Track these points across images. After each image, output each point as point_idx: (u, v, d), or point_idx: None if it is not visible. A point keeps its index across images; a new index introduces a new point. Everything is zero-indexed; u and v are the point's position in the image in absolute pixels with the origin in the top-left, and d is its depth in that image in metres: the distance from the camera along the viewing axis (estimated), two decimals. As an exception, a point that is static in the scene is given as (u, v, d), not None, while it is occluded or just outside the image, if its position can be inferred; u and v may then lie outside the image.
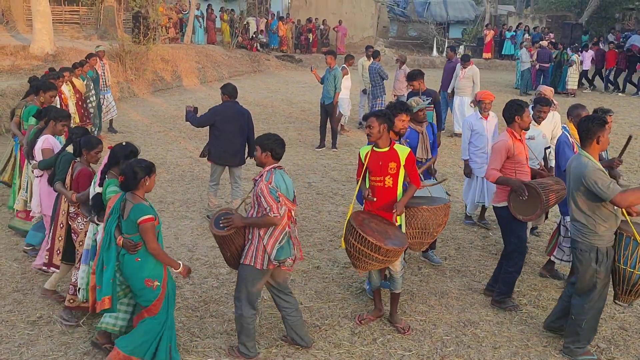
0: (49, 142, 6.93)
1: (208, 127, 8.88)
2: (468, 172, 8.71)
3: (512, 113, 6.41)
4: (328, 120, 13.58)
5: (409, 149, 5.92)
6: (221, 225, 5.34)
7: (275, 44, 31.21)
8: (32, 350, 5.62)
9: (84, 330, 5.96)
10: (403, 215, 5.93)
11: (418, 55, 33.01)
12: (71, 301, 5.98)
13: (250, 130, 8.87)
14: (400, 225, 5.90)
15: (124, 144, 5.65)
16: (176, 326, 5.99)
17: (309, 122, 16.51)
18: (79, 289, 5.75)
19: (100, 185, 5.50)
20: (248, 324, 5.43)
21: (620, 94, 23.81)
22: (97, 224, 5.52)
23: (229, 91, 8.81)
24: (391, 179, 5.85)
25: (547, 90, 8.60)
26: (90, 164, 6.18)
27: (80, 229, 6.06)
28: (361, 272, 5.93)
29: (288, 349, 5.68)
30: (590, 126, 5.30)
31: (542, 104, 7.56)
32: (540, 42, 24.58)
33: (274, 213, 5.13)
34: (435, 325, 6.21)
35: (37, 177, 7.12)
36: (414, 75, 9.64)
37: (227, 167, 9.00)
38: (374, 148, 5.90)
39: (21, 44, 19.90)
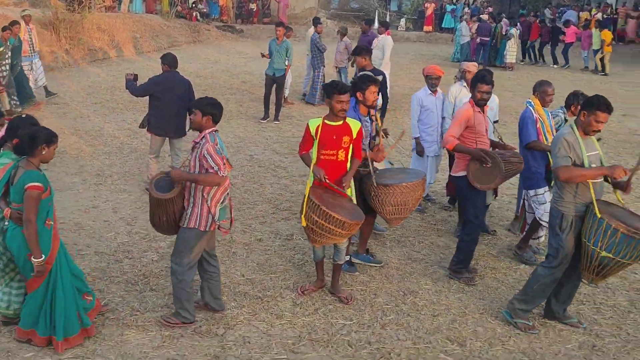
0: None
1: (147, 97, 8.69)
2: (420, 150, 8.37)
3: (473, 82, 6.57)
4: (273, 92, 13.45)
5: (360, 123, 5.94)
6: (166, 180, 5.29)
7: (216, 14, 30.63)
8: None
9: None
10: (353, 187, 6.02)
11: (360, 28, 32.93)
12: None
13: (192, 101, 8.67)
14: (350, 198, 5.96)
15: (23, 116, 5.38)
16: (115, 300, 5.93)
17: (250, 94, 16.35)
18: None
19: None
20: (190, 287, 5.46)
21: (554, 66, 24.52)
22: None
23: (169, 61, 8.63)
24: (344, 152, 5.86)
25: (471, 66, 8.33)
26: None
27: None
28: (318, 245, 5.98)
29: (229, 320, 5.68)
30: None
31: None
32: (481, 16, 24.90)
33: (222, 172, 5.16)
34: (375, 295, 6.30)
35: None
36: (360, 51, 9.16)
37: (167, 139, 8.84)
38: (325, 121, 5.85)
39: (-54, 10, 18.95)
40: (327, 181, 5.79)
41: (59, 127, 11.51)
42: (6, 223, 4.99)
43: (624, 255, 5.18)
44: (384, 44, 14.05)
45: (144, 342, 5.31)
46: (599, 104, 5.34)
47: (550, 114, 7.21)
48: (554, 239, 5.59)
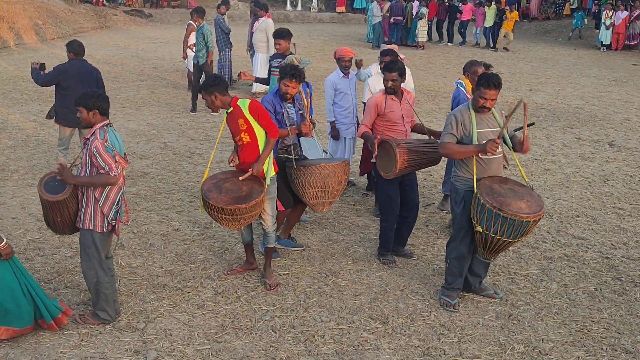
0: None
1: (53, 87, 8.33)
2: (335, 135, 8.30)
3: (383, 70, 6.59)
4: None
5: (249, 100, 5.85)
6: (58, 181, 5.04)
7: (123, -1, 29.74)
8: None
9: None
10: (271, 169, 5.95)
11: (272, 10, 32.66)
12: None
13: (101, 89, 8.35)
14: (265, 179, 5.88)
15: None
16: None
17: (162, 79, 15.96)
18: None
19: None
20: (106, 288, 5.27)
21: (449, 44, 25.26)
22: None
23: (74, 48, 8.32)
24: (246, 134, 5.81)
25: (393, 48, 8.21)
26: None
27: None
28: (237, 229, 5.97)
29: (150, 314, 5.54)
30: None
31: (383, 55, 7.69)
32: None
33: (113, 172, 4.97)
34: (298, 278, 6.30)
35: None
36: (283, 34, 8.76)
37: (76, 130, 8.49)
38: (226, 111, 5.89)
39: None
40: (233, 163, 5.96)
41: (-43, 121, 10.90)
42: None
43: (495, 232, 5.31)
44: (265, 27, 13.73)
45: (60, 342, 5.11)
46: (481, 80, 5.47)
47: None
48: (453, 214, 5.84)
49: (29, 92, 13.83)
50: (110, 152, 4.98)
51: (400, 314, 5.72)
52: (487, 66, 7.53)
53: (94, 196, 5.06)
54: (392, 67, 6.41)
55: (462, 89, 7.24)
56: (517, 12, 24.15)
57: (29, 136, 10.76)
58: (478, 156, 5.50)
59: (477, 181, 5.50)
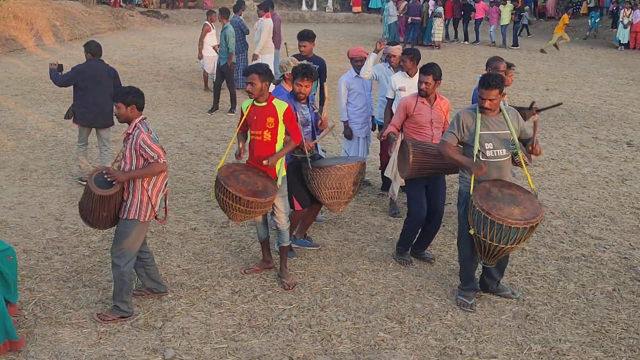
0: None
1: (72, 87, 8.43)
2: (348, 134, 8.26)
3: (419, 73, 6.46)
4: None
5: (287, 105, 5.91)
6: (108, 180, 5.15)
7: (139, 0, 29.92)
8: None
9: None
10: (282, 169, 5.98)
11: (287, 10, 32.81)
12: None
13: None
14: (277, 179, 5.93)
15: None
16: (47, 299, 5.73)
17: (178, 80, 16.04)
18: None
19: None
20: (130, 279, 5.38)
21: (463, 42, 25.20)
22: None
23: (92, 49, 8.42)
24: (269, 133, 5.86)
25: (395, 50, 8.20)
26: None
27: None
28: (238, 223, 6.03)
29: (167, 312, 5.58)
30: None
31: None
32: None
33: (162, 159, 5.15)
34: (314, 278, 6.32)
35: None
36: (308, 36, 8.43)
37: (93, 129, 8.60)
38: (254, 102, 5.90)
39: None
40: (239, 156, 6.00)
41: (-23, 121, 11.03)
42: None
43: (484, 235, 5.28)
44: (262, 27, 13.69)
45: (79, 339, 5.16)
46: (481, 81, 5.44)
47: None
48: (458, 215, 5.87)
49: (47, 93, 13.96)
50: (156, 142, 5.18)
51: (416, 314, 5.72)
52: (509, 65, 7.52)
53: (142, 186, 5.22)
54: (428, 70, 6.31)
55: None
56: (567, 15, 24.00)
57: (48, 136, 10.86)
58: (478, 158, 5.47)
59: (478, 183, 5.48)
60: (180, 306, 5.70)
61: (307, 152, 6.27)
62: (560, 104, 7.51)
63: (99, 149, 8.77)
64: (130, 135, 5.21)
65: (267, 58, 13.58)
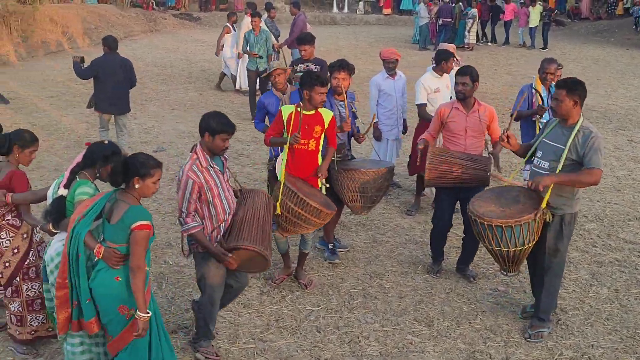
0: None
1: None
2: (378, 136, 8.20)
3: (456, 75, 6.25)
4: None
5: (332, 113, 5.86)
6: None
7: (172, 2, 30.22)
8: None
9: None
10: (324, 178, 5.90)
11: (318, 12, 32.87)
12: (18, 333, 4.96)
13: (134, 79, 9.63)
14: (321, 188, 5.89)
15: (105, 142, 4.64)
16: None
17: (210, 82, 16.16)
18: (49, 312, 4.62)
19: (67, 187, 4.36)
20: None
21: (490, 44, 24.94)
22: (55, 232, 4.37)
23: (108, 43, 9.33)
24: (315, 142, 5.75)
25: (450, 48, 8.23)
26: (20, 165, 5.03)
27: (6, 246, 4.89)
28: (288, 234, 5.95)
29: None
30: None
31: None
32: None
33: None
34: (342, 279, 6.31)
35: None
36: (307, 39, 8.37)
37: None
38: (298, 109, 5.67)
39: None
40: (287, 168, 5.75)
41: (14, 121, 11.24)
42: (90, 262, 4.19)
43: (488, 242, 5.17)
44: (242, 25, 13.83)
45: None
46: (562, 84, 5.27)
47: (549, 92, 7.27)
48: None
49: (82, 95, 14.17)
50: None
51: (445, 317, 5.67)
52: (558, 66, 7.53)
53: None
54: (465, 71, 6.10)
55: (533, 83, 7.40)
56: None
57: (81, 137, 11.03)
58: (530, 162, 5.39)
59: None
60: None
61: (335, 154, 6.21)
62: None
63: (117, 135, 9.65)
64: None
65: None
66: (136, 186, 4.02)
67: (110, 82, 9.21)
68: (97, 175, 4.47)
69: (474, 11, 23.00)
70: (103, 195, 4.16)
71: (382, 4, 32.62)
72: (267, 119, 6.79)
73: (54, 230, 4.36)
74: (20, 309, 4.94)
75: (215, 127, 4.70)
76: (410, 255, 6.87)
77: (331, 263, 6.58)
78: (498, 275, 6.43)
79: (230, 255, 4.68)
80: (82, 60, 9.21)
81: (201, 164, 4.71)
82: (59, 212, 4.35)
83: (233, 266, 4.76)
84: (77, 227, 4.02)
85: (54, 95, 14.23)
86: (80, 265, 4.01)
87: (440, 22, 23.38)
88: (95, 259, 4.06)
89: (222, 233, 4.77)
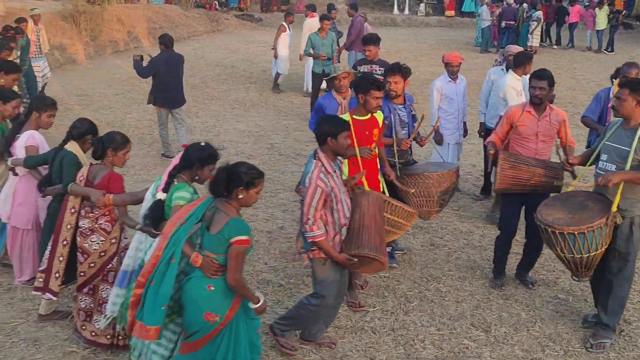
0: (34, 139, 5.66)
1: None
2: (439, 139, 8.02)
3: (531, 79, 6.01)
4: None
5: (381, 113, 5.80)
6: None
7: (235, 3, 30.64)
8: (-8, 318, 5.53)
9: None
10: (383, 182, 5.85)
11: (379, 13, 32.77)
12: (83, 327, 5.07)
13: (181, 73, 10.05)
14: (383, 191, 5.80)
15: (202, 144, 4.54)
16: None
17: (270, 82, 16.27)
18: (107, 316, 4.80)
19: (165, 190, 4.42)
20: None
21: (555, 46, 24.37)
22: (156, 234, 4.35)
23: (165, 41, 9.76)
24: (375, 146, 5.67)
25: (518, 50, 8.07)
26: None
27: (94, 249, 4.97)
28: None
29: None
30: None
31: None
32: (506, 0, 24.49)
33: None
34: (399, 282, 6.29)
35: (15, 175, 5.77)
36: (372, 40, 8.45)
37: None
38: (354, 117, 5.54)
39: (-31, 5, 19.17)
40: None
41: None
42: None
43: (561, 250, 5.05)
44: (303, 26, 13.82)
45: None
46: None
47: None
48: None
49: (145, 93, 14.39)
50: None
51: (503, 323, 5.60)
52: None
53: None
54: (543, 75, 5.82)
55: (611, 88, 7.27)
56: None
57: (144, 134, 11.32)
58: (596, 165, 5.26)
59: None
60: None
61: (396, 157, 6.14)
62: None
63: (176, 129, 9.95)
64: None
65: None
66: (240, 197, 4.00)
67: (169, 78, 9.61)
68: (195, 177, 4.48)
69: (539, 13, 22.47)
70: (203, 201, 4.15)
71: (445, 6, 32.26)
72: None
73: (156, 232, 4.35)
74: (91, 305, 5.04)
75: (335, 130, 4.68)
76: (468, 259, 6.80)
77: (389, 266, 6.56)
78: (558, 283, 6.31)
79: (355, 260, 4.69)
80: (142, 58, 9.58)
81: (327, 171, 4.68)
82: (157, 216, 4.38)
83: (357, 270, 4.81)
84: (178, 233, 4.04)
85: (119, 93, 14.64)
86: (171, 270, 4.02)
87: (502, 24, 23.00)
88: (187, 265, 4.11)
89: (342, 238, 4.78)
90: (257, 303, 4.11)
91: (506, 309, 5.83)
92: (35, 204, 5.73)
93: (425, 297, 6.00)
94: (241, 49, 22.33)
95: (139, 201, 4.82)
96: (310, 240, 4.68)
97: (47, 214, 5.44)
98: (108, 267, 5.02)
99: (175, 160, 4.47)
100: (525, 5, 23.60)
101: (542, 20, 22.70)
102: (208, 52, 20.63)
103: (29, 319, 5.51)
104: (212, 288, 4.00)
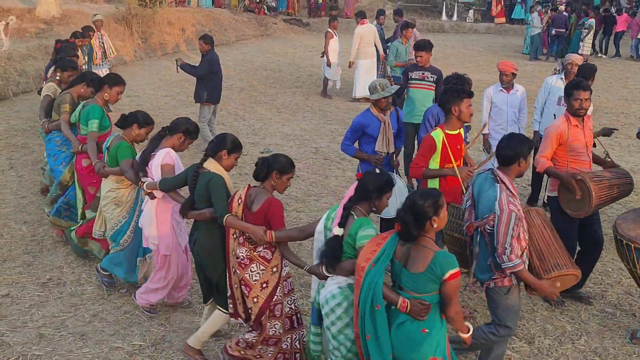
0: (170, 157, 5.32)
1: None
2: (487, 148, 7.95)
3: (567, 90, 5.78)
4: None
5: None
6: None
7: (283, 7, 30.88)
8: (42, 311, 5.69)
9: (92, 291, 6.03)
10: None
11: (427, 19, 32.61)
12: (237, 352, 4.72)
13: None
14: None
15: (377, 171, 4.30)
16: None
17: (316, 87, 16.39)
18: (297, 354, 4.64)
19: (342, 225, 4.04)
20: None
21: (602, 56, 23.84)
22: (326, 277, 4.10)
23: (209, 41, 10.36)
24: (460, 160, 5.63)
25: (578, 59, 7.79)
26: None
27: (255, 280, 4.56)
28: None
29: (295, 311, 5.73)
30: None
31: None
32: (559, 7, 24.11)
33: None
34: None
35: (152, 199, 5.39)
36: (424, 46, 8.49)
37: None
38: (447, 131, 5.48)
39: (27, 7, 19.77)
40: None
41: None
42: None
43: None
44: (354, 34, 13.87)
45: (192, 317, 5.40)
46: None
47: None
48: None
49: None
50: None
51: (547, 335, 5.51)
52: None
53: None
54: (587, 86, 5.62)
55: None
56: None
57: (192, 136, 11.47)
58: None
59: None
60: (308, 305, 5.83)
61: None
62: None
63: (210, 125, 10.47)
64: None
65: (362, 64, 13.79)
66: (434, 225, 3.73)
67: (217, 76, 10.37)
68: (373, 209, 4.18)
69: (592, 22, 22.02)
70: (390, 238, 3.85)
71: (494, 14, 31.89)
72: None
73: (327, 274, 4.08)
74: (254, 340, 4.68)
75: (527, 151, 4.48)
76: (512, 269, 6.70)
77: None
78: (605, 296, 6.18)
79: (558, 284, 4.51)
80: (182, 61, 10.26)
81: (513, 193, 4.42)
82: (336, 255, 4.03)
83: (557, 296, 4.66)
84: (370, 276, 3.75)
85: (169, 95, 14.91)
86: (380, 317, 3.75)
87: (553, 32, 22.63)
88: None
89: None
90: (467, 333, 3.89)
91: (551, 321, 5.74)
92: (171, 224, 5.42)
93: (469, 306, 5.94)
94: (288, 53, 22.49)
95: (308, 236, 4.53)
96: (509, 271, 4.34)
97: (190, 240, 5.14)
98: (273, 299, 4.60)
99: (350, 192, 4.15)
100: (575, 13, 23.21)
101: (593, 29, 22.25)
102: (256, 56, 20.84)
103: (77, 313, 5.66)
104: (427, 330, 3.72)
